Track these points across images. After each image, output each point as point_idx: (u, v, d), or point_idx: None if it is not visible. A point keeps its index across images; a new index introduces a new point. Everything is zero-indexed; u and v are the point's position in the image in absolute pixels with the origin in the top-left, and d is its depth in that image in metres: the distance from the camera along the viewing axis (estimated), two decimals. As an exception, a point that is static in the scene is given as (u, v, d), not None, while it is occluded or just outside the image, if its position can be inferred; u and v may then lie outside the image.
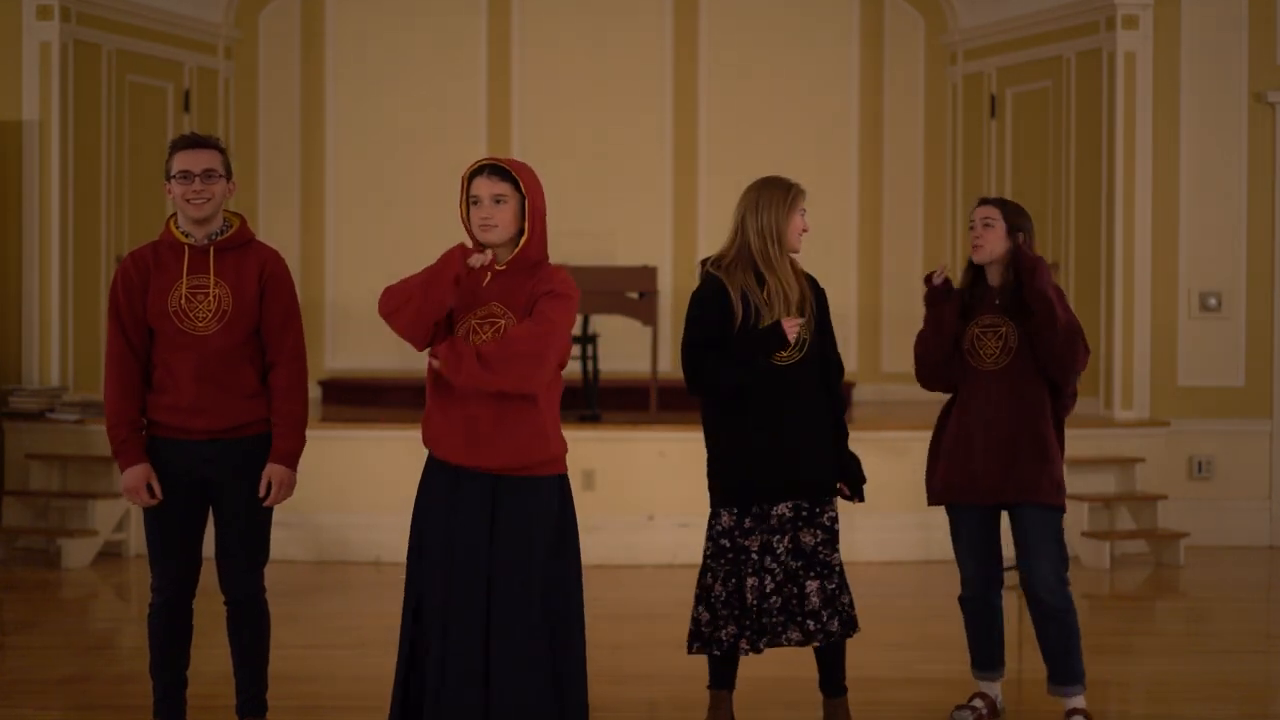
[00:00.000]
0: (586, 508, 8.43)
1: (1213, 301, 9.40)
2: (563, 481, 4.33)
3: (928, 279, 5.21)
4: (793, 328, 4.79)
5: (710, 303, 4.87)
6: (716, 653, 4.92)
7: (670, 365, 10.62)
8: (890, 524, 8.51)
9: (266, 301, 4.64)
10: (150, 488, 4.57)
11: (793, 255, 4.94)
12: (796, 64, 10.96)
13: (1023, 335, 5.06)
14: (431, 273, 4.17)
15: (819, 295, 4.99)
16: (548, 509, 4.27)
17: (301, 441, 4.68)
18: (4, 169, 9.21)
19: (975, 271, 5.23)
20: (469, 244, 4.28)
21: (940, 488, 5.21)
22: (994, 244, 5.10)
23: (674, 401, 9.57)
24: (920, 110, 11.02)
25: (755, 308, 4.84)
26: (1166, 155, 9.38)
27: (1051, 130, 9.99)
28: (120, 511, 8.67)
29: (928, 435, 8.69)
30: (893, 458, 8.34)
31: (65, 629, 7.09)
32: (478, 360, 4.10)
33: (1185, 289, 9.42)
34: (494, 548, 4.20)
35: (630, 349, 10.00)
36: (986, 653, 5.29)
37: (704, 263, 4.99)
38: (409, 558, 4.34)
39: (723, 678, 5.04)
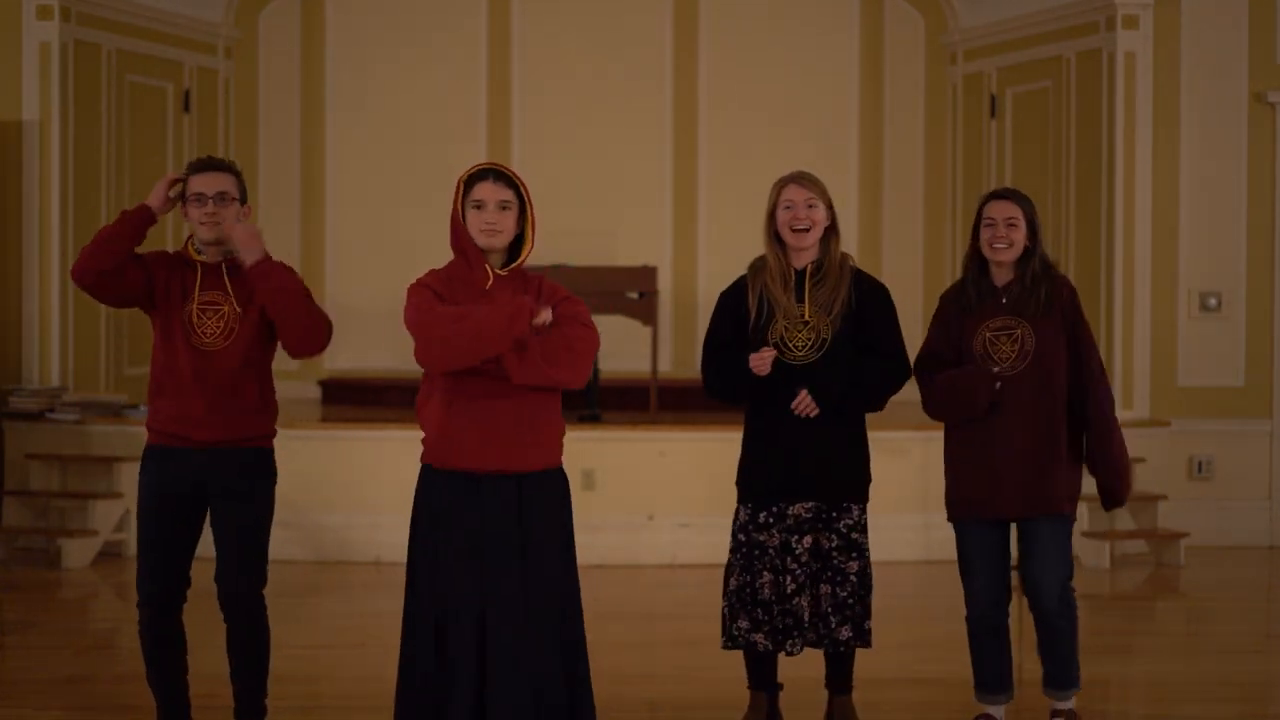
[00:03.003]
0: (586, 508, 8.43)
1: (1213, 301, 9.40)
2: (564, 473, 4.37)
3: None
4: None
5: (726, 306, 4.98)
6: (729, 648, 4.95)
7: (670, 365, 10.63)
8: (890, 524, 8.48)
9: None
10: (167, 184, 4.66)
11: (843, 253, 4.96)
12: (796, 64, 10.96)
13: (1040, 338, 4.89)
14: (495, 328, 4.06)
15: (865, 293, 4.92)
16: (566, 502, 4.33)
17: (285, 277, 4.56)
18: (4, 169, 9.20)
19: (979, 266, 5.01)
20: (473, 248, 4.26)
21: (959, 501, 5.02)
22: (1020, 243, 4.92)
23: (674, 401, 9.58)
24: (920, 110, 11.01)
25: (769, 306, 4.88)
26: (1166, 155, 9.38)
27: (1051, 130, 9.99)
28: (120, 511, 8.67)
29: (928, 435, 8.78)
30: (893, 458, 8.33)
31: (65, 629, 7.10)
32: (541, 357, 4.13)
33: (1185, 289, 9.42)
34: (528, 547, 4.21)
35: (630, 349, 9.99)
36: (996, 674, 5.11)
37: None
38: (420, 574, 4.25)
39: (758, 678, 5.05)
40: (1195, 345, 9.43)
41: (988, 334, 4.93)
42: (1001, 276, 4.97)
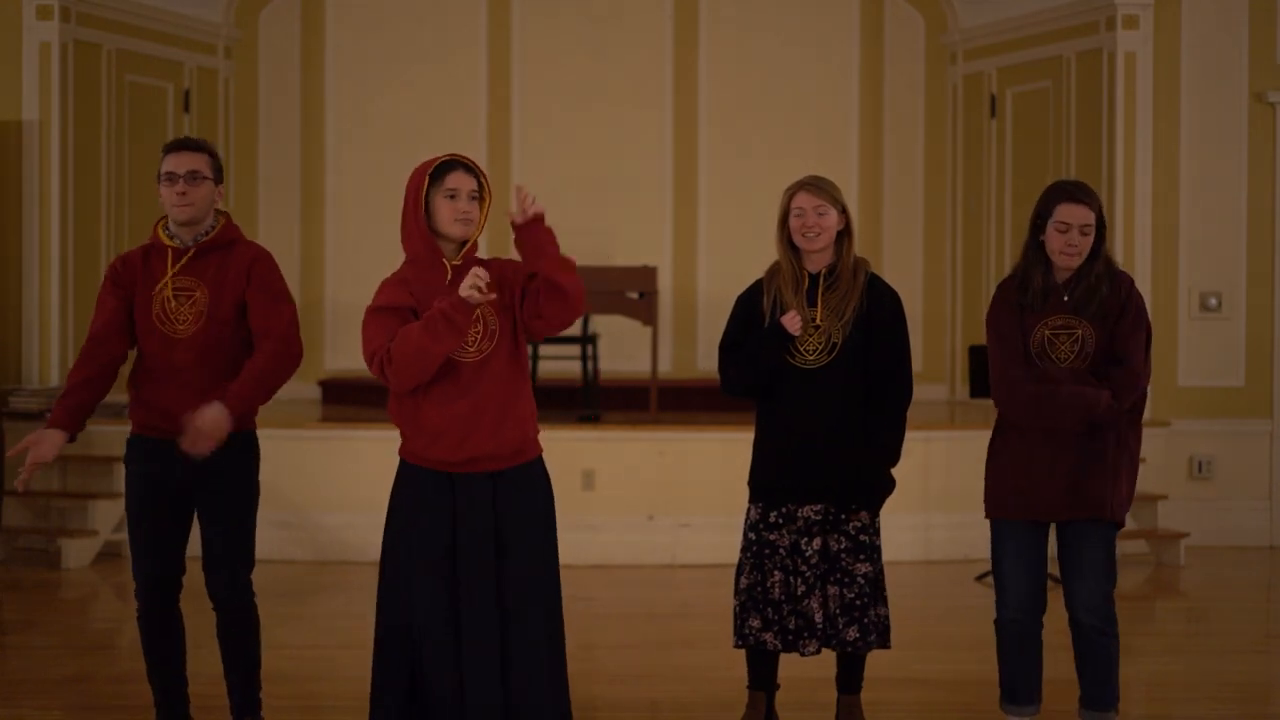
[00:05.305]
0: (586, 508, 8.49)
1: (1213, 301, 9.40)
2: (543, 463, 4.35)
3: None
4: (792, 322, 4.81)
5: (742, 306, 5.00)
6: (740, 646, 4.95)
7: (670, 365, 10.63)
8: (890, 524, 8.41)
9: (251, 295, 4.61)
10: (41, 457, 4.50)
11: (858, 258, 4.93)
12: (796, 64, 10.97)
13: (1100, 338, 4.65)
14: (449, 329, 4.07)
15: (880, 306, 4.89)
16: (546, 494, 4.31)
17: (249, 401, 4.55)
18: (4, 169, 9.21)
19: (1045, 262, 4.72)
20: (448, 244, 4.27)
21: (997, 498, 4.78)
22: (1087, 249, 4.67)
23: (674, 401, 9.58)
24: (920, 110, 11.02)
25: (781, 309, 4.88)
26: (1166, 155, 9.38)
27: (1051, 130, 9.99)
28: (120, 512, 8.67)
29: (928, 435, 8.79)
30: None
31: (65, 629, 7.09)
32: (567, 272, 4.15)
33: (1185, 289, 9.42)
34: (504, 546, 4.19)
35: (630, 349, 10.00)
36: (1023, 683, 4.88)
37: None
38: (390, 575, 4.25)
39: (759, 678, 5.03)
40: (1195, 345, 9.43)
41: (1046, 332, 4.69)
42: (1064, 273, 4.73)
